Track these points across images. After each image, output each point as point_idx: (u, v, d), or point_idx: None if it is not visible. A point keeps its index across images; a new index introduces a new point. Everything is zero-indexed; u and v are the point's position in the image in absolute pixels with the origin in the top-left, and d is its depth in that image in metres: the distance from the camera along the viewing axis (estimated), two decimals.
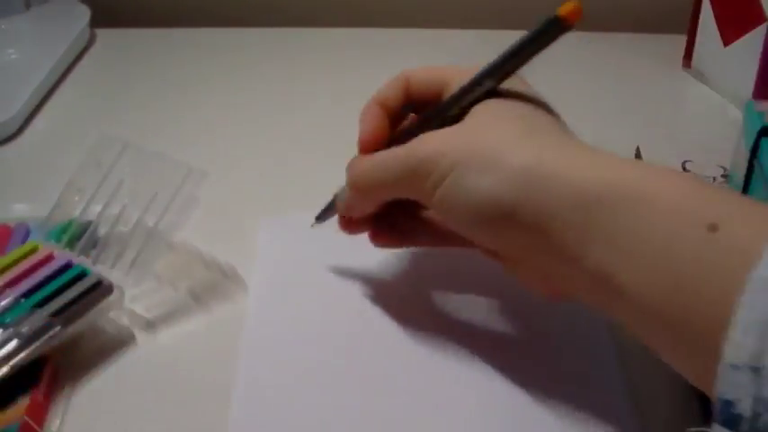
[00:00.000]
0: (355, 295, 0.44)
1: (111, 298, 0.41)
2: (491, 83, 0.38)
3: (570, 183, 0.33)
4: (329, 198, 0.44)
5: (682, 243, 0.30)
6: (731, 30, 0.63)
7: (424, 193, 0.38)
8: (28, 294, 0.41)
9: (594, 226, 0.33)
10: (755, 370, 0.26)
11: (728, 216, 0.30)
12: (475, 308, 0.43)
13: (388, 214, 0.43)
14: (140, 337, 0.43)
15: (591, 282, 0.33)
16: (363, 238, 0.43)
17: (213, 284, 0.46)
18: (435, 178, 0.37)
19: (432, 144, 0.37)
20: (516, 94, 0.39)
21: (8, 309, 0.40)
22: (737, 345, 0.27)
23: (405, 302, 0.44)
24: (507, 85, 0.39)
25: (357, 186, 0.41)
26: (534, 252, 0.35)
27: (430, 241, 0.44)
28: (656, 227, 0.31)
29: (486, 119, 0.37)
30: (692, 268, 0.30)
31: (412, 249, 0.46)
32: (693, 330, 0.30)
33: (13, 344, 0.38)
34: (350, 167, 0.41)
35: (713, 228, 0.30)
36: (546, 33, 0.36)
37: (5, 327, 0.39)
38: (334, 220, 0.44)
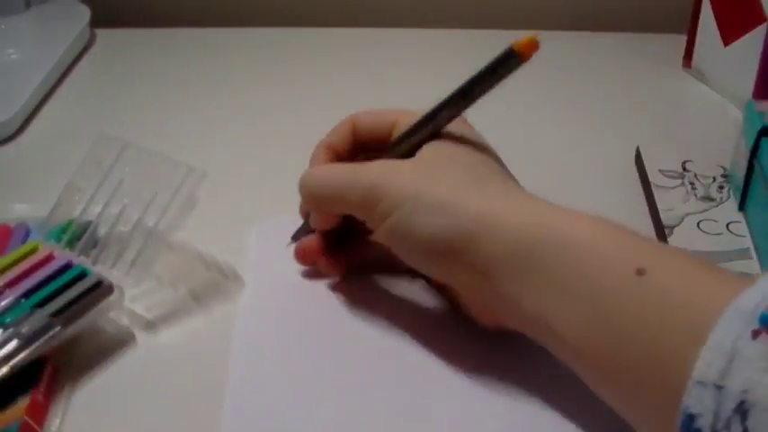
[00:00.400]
0: (348, 297, 0.44)
1: (111, 298, 0.41)
2: (448, 113, 0.40)
3: (510, 230, 0.35)
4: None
5: (613, 289, 0.32)
6: (731, 30, 0.63)
7: (371, 219, 0.39)
8: (28, 294, 0.41)
9: (530, 272, 0.35)
10: (719, 388, 0.28)
11: (653, 260, 0.32)
12: None
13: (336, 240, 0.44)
14: (140, 337, 0.43)
15: (530, 323, 0.36)
16: None
17: (213, 284, 0.46)
18: (383, 207, 0.38)
19: (383, 172, 0.39)
20: (463, 138, 0.40)
21: (8, 309, 0.40)
22: (708, 363, 0.28)
23: (399, 304, 0.44)
24: (453, 128, 0.40)
25: (307, 194, 0.42)
26: (478, 289, 0.37)
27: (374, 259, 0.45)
28: (586, 273, 0.33)
29: (436, 161, 0.39)
30: (623, 311, 0.32)
31: None
32: (624, 367, 0.32)
33: (13, 344, 0.38)
34: (302, 177, 0.43)
35: (641, 272, 0.32)
36: (502, 65, 0.38)
37: (5, 327, 0.39)
38: None
